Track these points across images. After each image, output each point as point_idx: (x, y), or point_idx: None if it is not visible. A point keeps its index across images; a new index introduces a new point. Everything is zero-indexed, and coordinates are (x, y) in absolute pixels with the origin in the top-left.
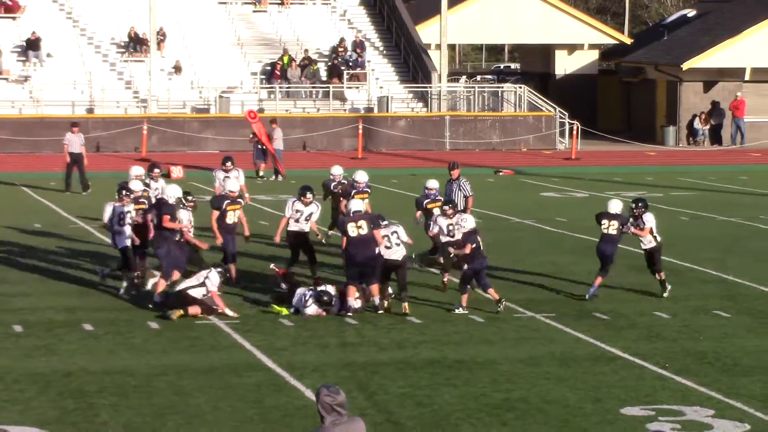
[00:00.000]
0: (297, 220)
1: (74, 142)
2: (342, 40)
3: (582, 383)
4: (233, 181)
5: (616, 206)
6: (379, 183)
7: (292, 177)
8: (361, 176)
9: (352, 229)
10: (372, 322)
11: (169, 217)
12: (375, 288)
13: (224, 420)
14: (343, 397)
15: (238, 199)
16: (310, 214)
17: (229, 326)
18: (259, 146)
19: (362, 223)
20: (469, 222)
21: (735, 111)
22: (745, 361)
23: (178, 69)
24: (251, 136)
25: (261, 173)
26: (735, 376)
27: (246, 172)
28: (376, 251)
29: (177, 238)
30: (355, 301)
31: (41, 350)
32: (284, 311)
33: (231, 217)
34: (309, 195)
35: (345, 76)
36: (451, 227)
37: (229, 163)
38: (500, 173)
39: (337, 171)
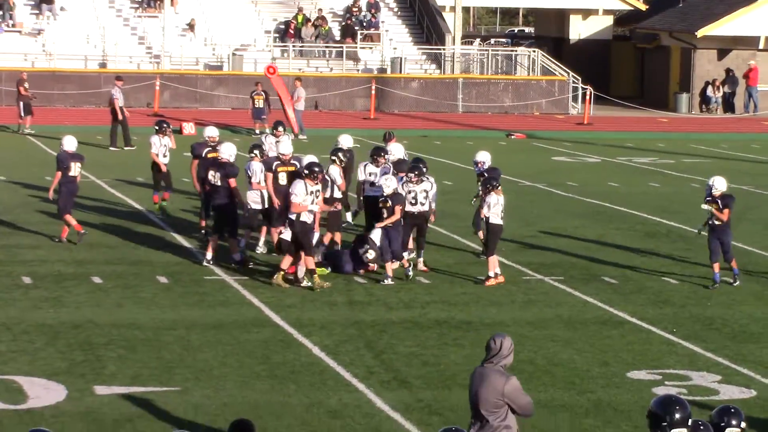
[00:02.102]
0: (372, 184)
1: (121, 97)
2: (356, 0)
3: (589, 346)
4: (286, 143)
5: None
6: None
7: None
8: (345, 140)
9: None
10: (381, 281)
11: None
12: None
13: (231, 375)
14: (499, 346)
15: (292, 161)
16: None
17: (238, 282)
18: (259, 104)
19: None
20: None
21: (748, 79)
22: (753, 327)
23: (192, 27)
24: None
25: (257, 131)
26: (742, 342)
27: (247, 130)
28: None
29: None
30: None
31: (50, 302)
32: (324, 271)
33: (283, 179)
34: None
35: (359, 37)
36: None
37: (280, 128)
38: (512, 137)
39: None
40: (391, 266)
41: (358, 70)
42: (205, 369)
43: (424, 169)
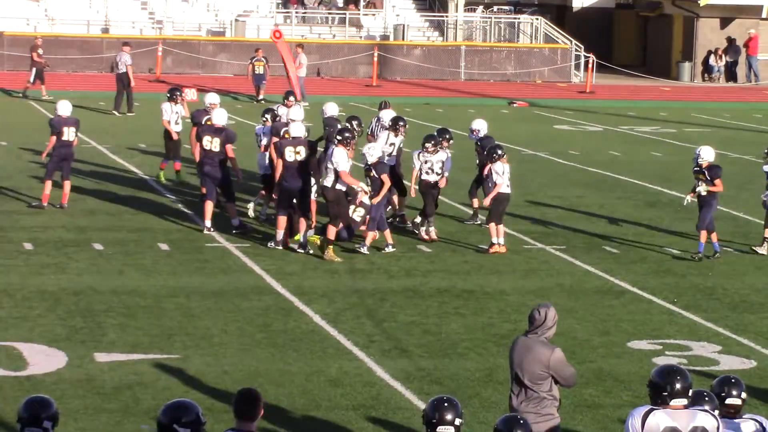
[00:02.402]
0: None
1: (124, 61)
2: None
3: (590, 316)
4: (297, 109)
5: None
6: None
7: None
8: (331, 108)
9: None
10: (382, 249)
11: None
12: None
13: (232, 342)
14: (543, 316)
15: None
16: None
17: (239, 250)
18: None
19: (300, 148)
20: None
21: (748, 48)
22: (754, 298)
23: None
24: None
25: (260, 97)
26: (743, 312)
27: (250, 96)
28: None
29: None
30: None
31: (51, 268)
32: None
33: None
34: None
35: (362, 3)
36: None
37: (291, 98)
38: (514, 104)
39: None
40: (373, 235)
41: (360, 37)
42: (206, 336)
43: (443, 140)
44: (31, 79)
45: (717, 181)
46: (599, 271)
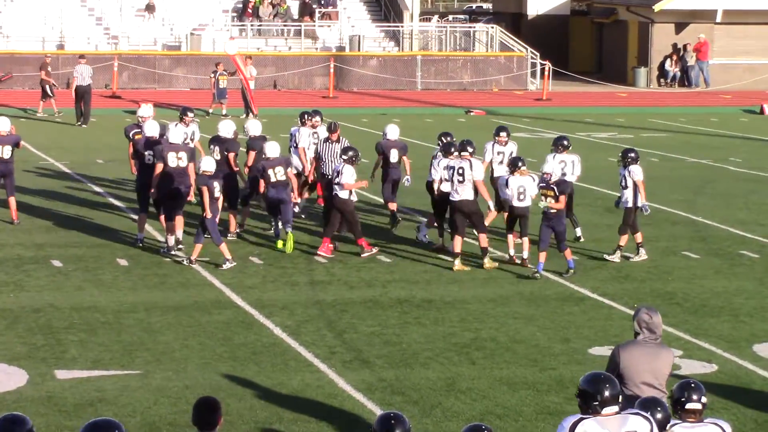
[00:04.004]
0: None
1: (84, 74)
2: None
3: (551, 323)
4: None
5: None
6: (350, 122)
7: (263, 115)
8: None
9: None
10: (342, 261)
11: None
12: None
13: (193, 357)
14: (659, 319)
15: None
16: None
17: (199, 264)
18: (221, 85)
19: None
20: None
21: (698, 53)
22: (713, 302)
23: (150, 8)
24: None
25: (211, 110)
26: (703, 317)
27: (216, 111)
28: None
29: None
30: None
31: (10, 286)
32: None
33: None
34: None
35: (317, 15)
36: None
37: (317, 118)
38: (471, 113)
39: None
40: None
41: (316, 49)
42: (166, 351)
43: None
44: (51, 94)
45: (562, 198)
46: (559, 278)
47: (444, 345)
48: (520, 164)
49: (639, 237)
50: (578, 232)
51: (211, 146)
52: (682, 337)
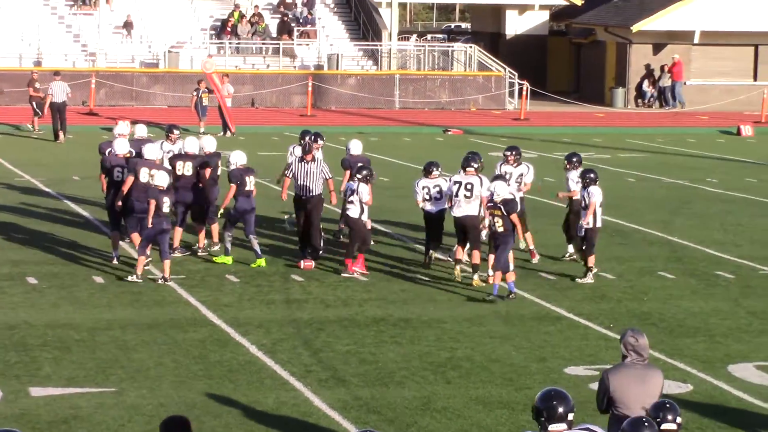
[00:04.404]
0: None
1: (58, 91)
2: None
3: (527, 342)
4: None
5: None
6: (328, 141)
7: (240, 133)
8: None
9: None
10: (319, 279)
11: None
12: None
13: (167, 375)
14: (646, 341)
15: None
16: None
17: (175, 281)
18: (204, 103)
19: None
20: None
21: (672, 74)
22: (689, 322)
23: (128, 25)
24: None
25: (202, 130)
26: (678, 337)
27: (193, 128)
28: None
29: None
30: None
31: None
32: (228, 261)
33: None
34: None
35: (295, 33)
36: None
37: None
38: (449, 132)
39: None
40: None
41: (294, 67)
42: (141, 369)
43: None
44: (41, 112)
45: (513, 217)
46: (535, 297)
47: (420, 364)
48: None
49: (592, 260)
50: (570, 249)
51: (180, 162)
52: (658, 357)
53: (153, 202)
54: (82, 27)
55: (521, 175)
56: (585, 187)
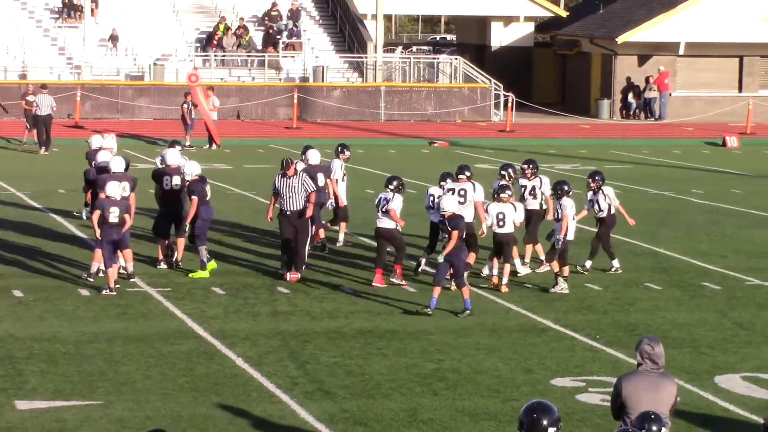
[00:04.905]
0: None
1: (43, 104)
2: (274, 4)
3: (513, 354)
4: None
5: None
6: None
7: (226, 146)
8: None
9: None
10: (305, 292)
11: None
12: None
13: (154, 388)
14: (661, 350)
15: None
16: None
17: (161, 294)
18: (192, 116)
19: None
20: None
21: (659, 85)
22: (675, 333)
23: (114, 39)
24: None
25: (188, 143)
26: (665, 348)
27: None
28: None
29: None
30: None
31: None
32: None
33: None
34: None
35: (281, 45)
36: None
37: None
38: (435, 144)
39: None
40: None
41: (280, 79)
42: (128, 382)
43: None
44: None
45: (454, 233)
46: (521, 309)
47: (406, 376)
48: (503, 194)
49: (566, 270)
50: (616, 263)
51: (166, 177)
52: None
53: (97, 212)
54: (67, 40)
55: (534, 187)
56: (558, 198)
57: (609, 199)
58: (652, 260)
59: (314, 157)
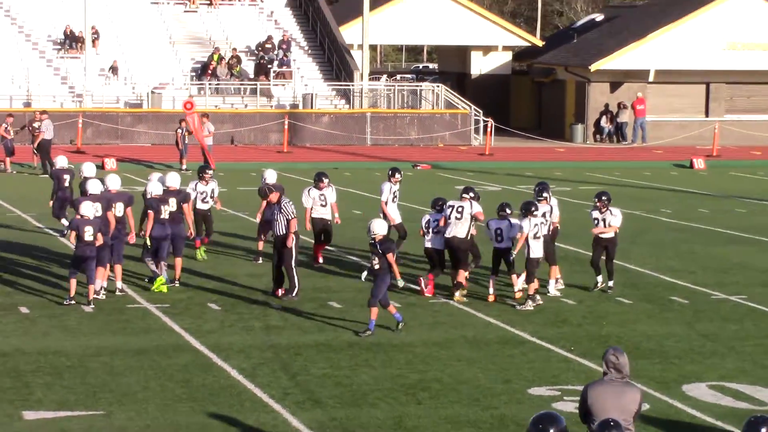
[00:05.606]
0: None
1: (50, 129)
2: (269, 37)
3: (492, 365)
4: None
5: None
6: (304, 176)
7: (220, 169)
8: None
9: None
10: (295, 306)
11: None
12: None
13: (153, 398)
14: (626, 360)
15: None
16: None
17: (159, 310)
18: (186, 141)
19: None
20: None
21: (635, 110)
22: (645, 344)
23: (114, 69)
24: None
25: (184, 165)
26: (636, 359)
27: (175, 165)
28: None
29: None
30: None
31: None
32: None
33: None
34: (325, 180)
35: (272, 74)
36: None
37: (209, 171)
38: (418, 167)
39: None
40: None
41: (271, 106)
42: (129, 393)
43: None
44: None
45: (389, 256)
46: (500, 322)
47: (392, 386)
48: (503, 211)
49: (532, 288)
50: (599, 279)
51: (170, 199)
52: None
53: (73, 233)
54: (69, 70)
55: (544, 213)
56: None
57: (616, 218)
58: (624, 276)
59: (270, 176)
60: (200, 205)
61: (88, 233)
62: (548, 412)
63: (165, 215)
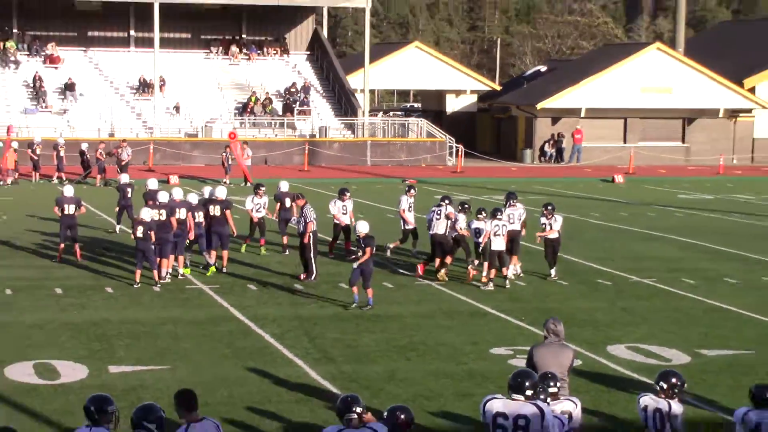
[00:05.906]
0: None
1: (126, 154)
2: (293, 83)
3: (463, 331)
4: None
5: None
6: (321, 189)
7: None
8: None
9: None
10: (314, 287)
11: None
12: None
13: (206, 357)
14: (562, 327)
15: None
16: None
17: (211, 290)
18: (230, 162)
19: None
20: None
21: (574, 138)
22: (579, 316)
23: (177, 108)
24: (224, 154)
25: (227, 180)
26: (570, 326)
27: (218, 180)
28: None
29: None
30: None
31: (76, 307)
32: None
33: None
34: (346, 194)
35: (296, 111)
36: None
37: (262, 188)
38: (406, 182)
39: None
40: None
41: (295, 136)
42: (187, 353)
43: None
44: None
45: (367, 249)
46: (469, 299)
47: (387, 347)
48: (479, 214)
49: (493, 273)
50: (554, 272)
51: (212, 206)
52: None
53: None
54: (142, 108)
55: (510, 215)
56: (492, 219)
57: (557, 222)
58: (563, 264)
59: (284, 186)
60: (255, 214)
61: (140, 231)
62: (525, 369)
63: (199, 219)
